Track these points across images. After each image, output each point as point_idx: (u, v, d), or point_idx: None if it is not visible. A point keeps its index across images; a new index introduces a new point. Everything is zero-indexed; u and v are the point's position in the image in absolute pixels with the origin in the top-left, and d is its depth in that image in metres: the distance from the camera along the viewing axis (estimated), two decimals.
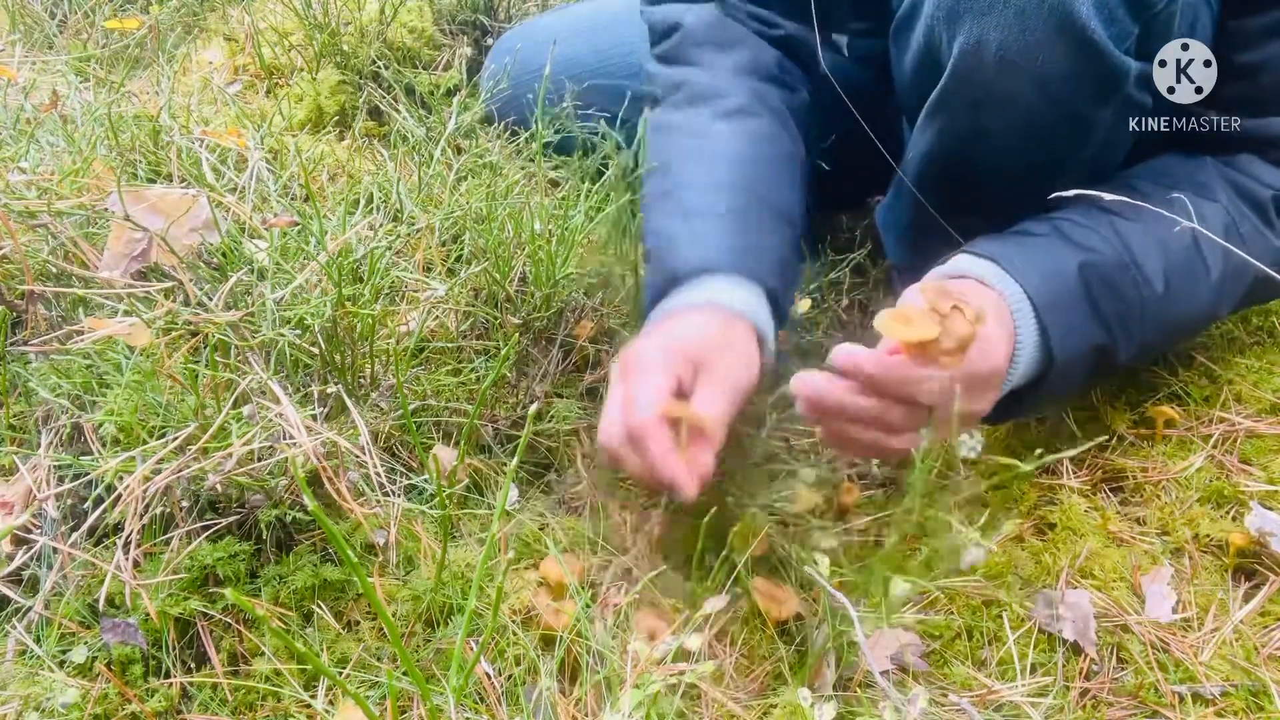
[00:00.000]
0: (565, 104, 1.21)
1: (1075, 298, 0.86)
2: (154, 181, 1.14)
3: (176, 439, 0.82)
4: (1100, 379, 1.04)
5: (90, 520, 0.84)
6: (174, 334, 0.90)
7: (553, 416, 1.08)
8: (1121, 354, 0.90)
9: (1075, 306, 0.86)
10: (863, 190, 1.40)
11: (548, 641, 0.85)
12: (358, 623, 0.86)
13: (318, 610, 0.85)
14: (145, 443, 0.83)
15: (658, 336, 0.89)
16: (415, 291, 1.10)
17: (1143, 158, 0.99)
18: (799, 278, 1.02)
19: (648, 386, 0.82)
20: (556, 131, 1.24)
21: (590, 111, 1.22)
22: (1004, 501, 1.01)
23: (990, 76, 0.85)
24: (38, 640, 0.81)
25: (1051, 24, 0.81)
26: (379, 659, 0.83)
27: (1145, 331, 0.91)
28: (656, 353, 0.86)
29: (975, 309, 0.76)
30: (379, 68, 1.53)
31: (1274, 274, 0.85)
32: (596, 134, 1.14)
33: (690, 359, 0.86)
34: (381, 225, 1.13)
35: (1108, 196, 0.83)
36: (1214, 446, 1.01)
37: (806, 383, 0.81)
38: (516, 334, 1.08)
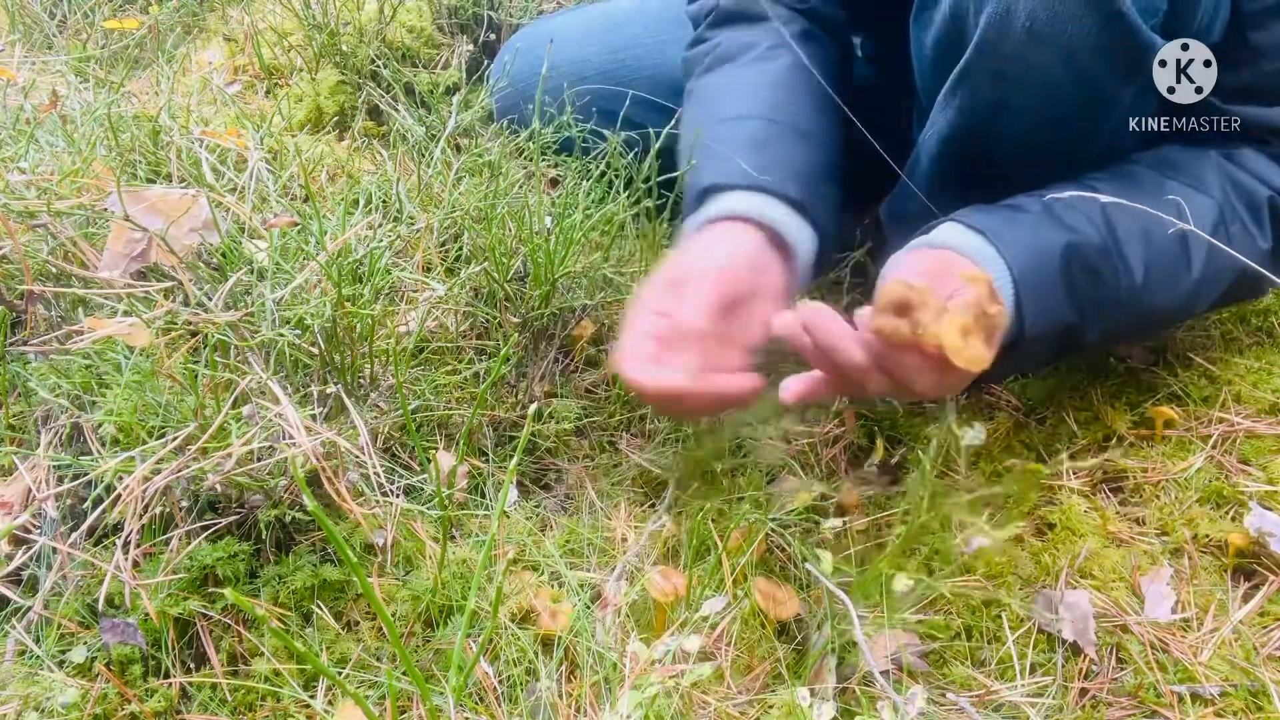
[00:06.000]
0: (567, 114, 1.21)
1: (1054, 278, 0.87)
2: (154, 181, 1.14)
3: (176, 439, 0.82)
4: (1065, 355, 1.06)
5: (90, 520, 0.84)
6: (173, 334, 0.90)
7: (553, 416, 1.08)
8: (1089, 336, 0.91)
9: (1054, 286, 0.87)
10: (864, 192, 1.40)
11: (547, 642, 0.85)
12: (357, 623, 0.86)
13: (317, 610, 0.85)
14: (144, 443, 0.83)
15: (682, 258, 0.93)
16: (415, 291, 1.10)
17: (1149, 146, 0.99)
18: (831, 191, 1.04)
19: (636, 325, 0.87)
20: (556, 131, 1.24)
21: (591, 124, 1.22)
22: (1011, 501, 1.01)
23: (1017, 48, 0.85)
24: (37, 640, 0.81)
25: None
26: (378, 659, 0.83)
27: (1117, 318, 0.92)
28: (649, 288, 0.90)
29: (1006, 315, 0.77)
30: (378, 67, 1.53)
31: (1266, 273, 0.84)
32: (599, 135, 1.15)
33: (671, 282, 0.90)
34: (381, 225, 1.13)
35: (1103, 198, 0.83)
36: (1213, 447, 1.01)
37: (811, 311, 0.82)
38: (516, 333, 1.08)
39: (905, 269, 0.87)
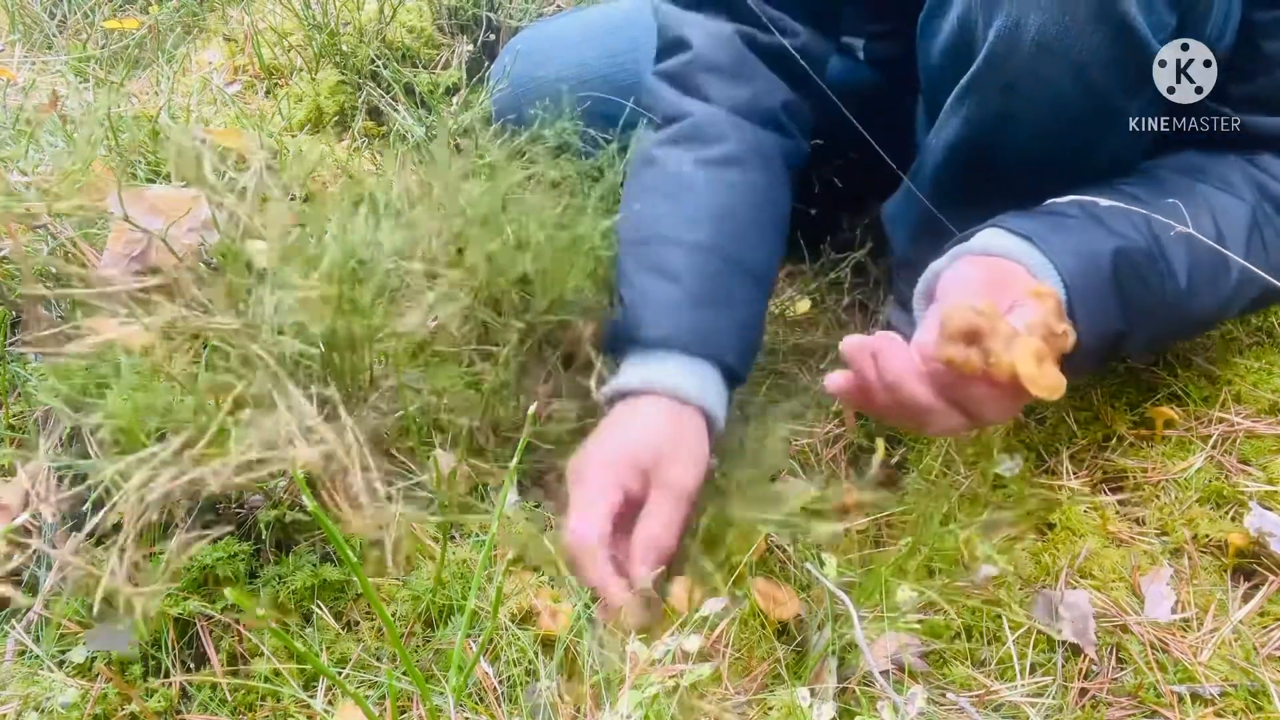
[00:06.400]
0: (566, 121, 1.20)
1: (1106, 285, 0.84)
2: (154, 181, 1.14)
3: (175, 442, 0.82)
4: (1103, 365, 1.04)
5: (89, 522, 0.84)
6: (173, 336, 0.90)
7: (552, 417, 1.08)
8: (1134, 343, 0.89)
9: (1105, 293, 0.85)
10: (864, 192, 1.40)
11: (547, 642, 0.85)
12: (357, 623, 0.86)
13: (317, 610, 0.85)
14: (144, 444, 0.83)
15: (608, 442, 0.93)
16: (416, 293, 1.10)
17: (1166, 152, 0.98)
18: (760, 338, 1.04)
19: (590, 511, 0.87)
20: (556, 134, 1.23)
21: (589, 129, 1.22)
22: (1012, 508, 1.01)
23: (1025, 61, 0.84)
24: (37, 640, 0.81)
25: (1092, 9, 0.81)
26: (378, 659, 0.83)
27: (1162, 324, 0.90)
28: (604, 467, 0.90)
29: (1074, 334, 0.75)
30: (378, 67, 1.53)
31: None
32: (597, 140, 1.15)
33: (639, 466, 0.90)
34: (381, 226, 1.13)
35: (1104, 202, 0.83)
36: (1213, 447, 1.01)
37: (883, 340, 0.80)
38: (518, 336, 1.08)
39: (961, 281, 0.83)
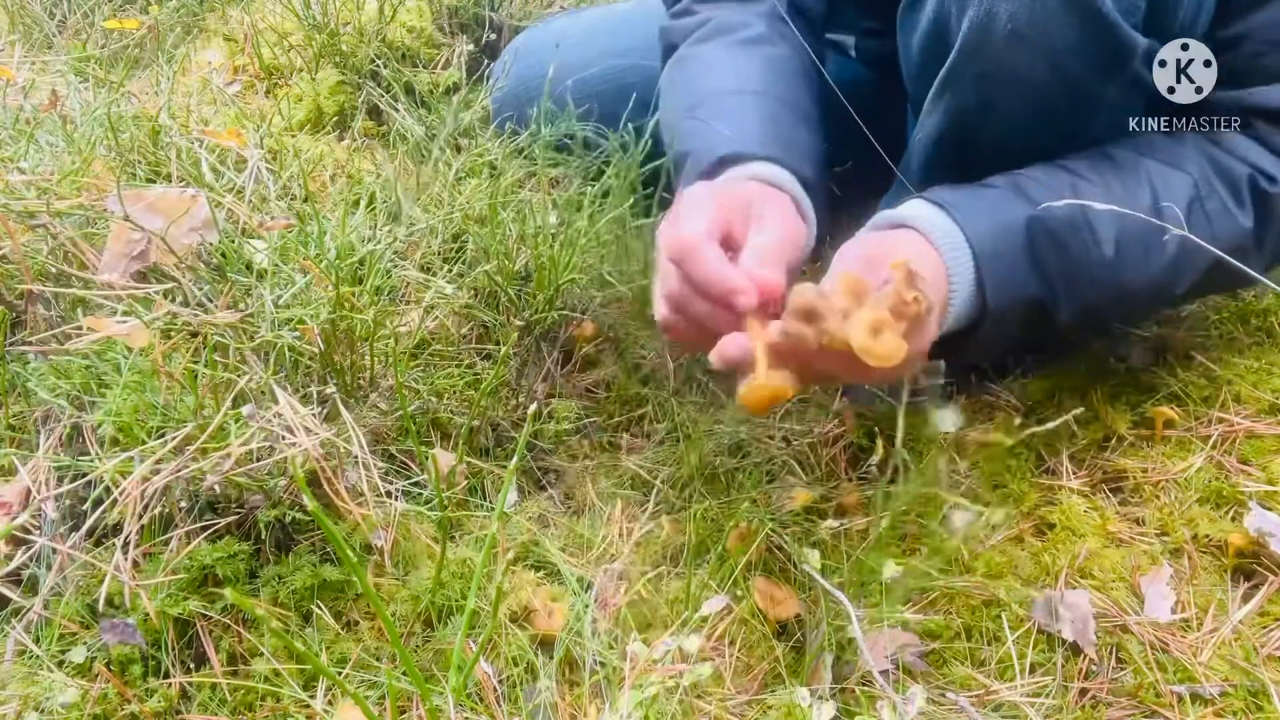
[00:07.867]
0: (567, 120, 1.20)
1: (1016, 249, 0.87)
2: (153, 182, 1.14)
3: (175, 439, 0.82)
4: (1042, 337, 1.04)
5: (90, 521, 0.84)
6: (173, 335, 0.90)
7: (552, 416, 1.08)
8: (1063, 312, 0.91)
9: (1016, 258, 0.87)
10: (863, 192, 1.40)
11: (546, 642, 0.85)
12: (357, 623, 0.86)
13: (317, 610, 0.85)
14: (144, 443, 0.83)
15: (705, 188, 0.89)
16: (417, 292, 1.10)
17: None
18: (826, 178, 1.02)
19: (696, 214, 0.83)
20: (563, 137, 1.24)
21: (592, 122, 1.22)
22: (1003, 500, 1.01)
23: (999, 50, 0.85)
24: (37, 640, 0.81)
25: None
26: (378, 659, 0.83)
27: (1091, 294, 0.91)
28: (706, 194, 0.87)
29: (927, 301, 0.77)
30: (378, 67, 1.53)
31: (1228, 258, 0.82)
32: (600, 135, 1.15)
33: (741, 206, 0.87)
34: (381, 225, 1.13)
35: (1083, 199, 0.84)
36: (1213, 447, 1.01)
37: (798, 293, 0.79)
38: (516, 334, 1.08)
39: (842, 259, 0.87)
